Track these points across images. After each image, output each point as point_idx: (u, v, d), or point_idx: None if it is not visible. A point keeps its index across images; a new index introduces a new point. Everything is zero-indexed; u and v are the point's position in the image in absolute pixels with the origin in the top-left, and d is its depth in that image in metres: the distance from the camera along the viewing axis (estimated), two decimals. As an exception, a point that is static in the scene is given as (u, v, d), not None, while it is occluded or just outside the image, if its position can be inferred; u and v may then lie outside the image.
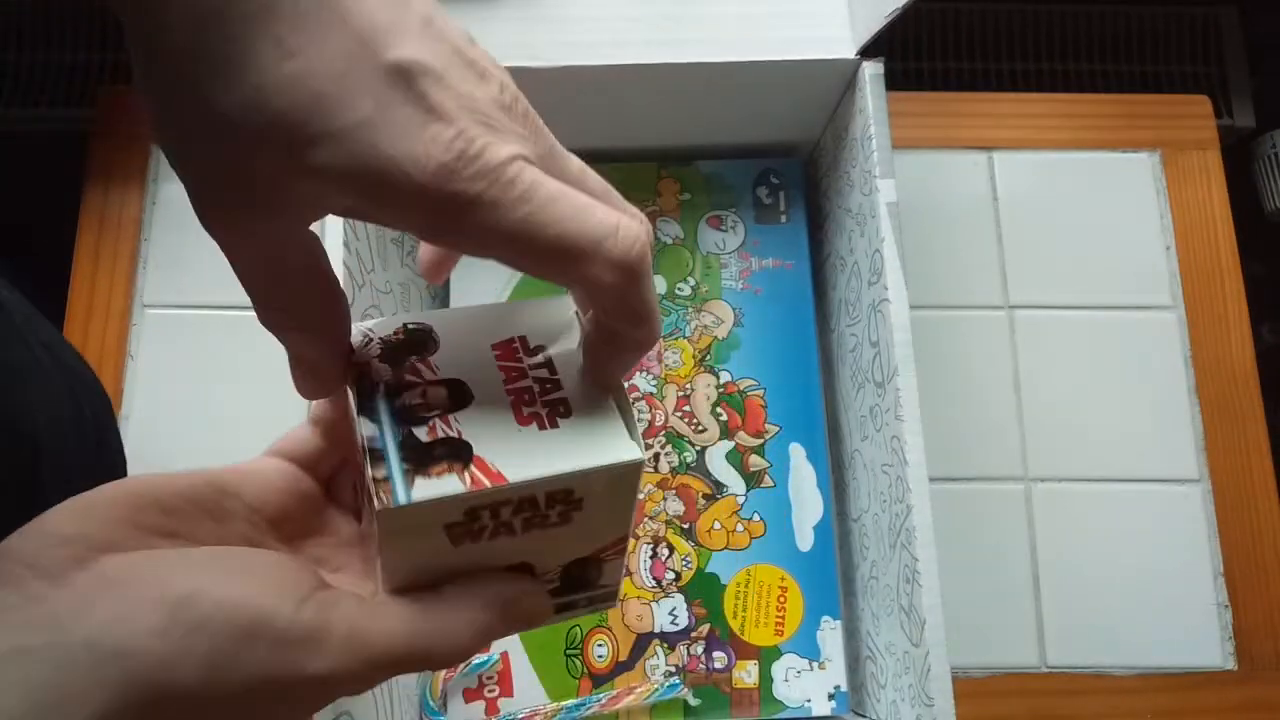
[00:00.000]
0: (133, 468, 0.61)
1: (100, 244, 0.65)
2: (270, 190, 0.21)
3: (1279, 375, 0.73)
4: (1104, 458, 0.63)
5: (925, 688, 0.44)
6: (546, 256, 0.22)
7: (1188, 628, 0.60)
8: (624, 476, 0.24)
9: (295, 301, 0.23)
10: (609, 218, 0.22)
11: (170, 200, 0.66)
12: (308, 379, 0.25)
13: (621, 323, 0.24)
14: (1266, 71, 0.99)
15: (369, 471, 0.22)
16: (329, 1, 0.20)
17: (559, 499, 0.23)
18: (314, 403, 0.28)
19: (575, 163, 0.24)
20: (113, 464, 0.49)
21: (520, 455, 0.23)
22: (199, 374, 0.63)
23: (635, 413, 0.27)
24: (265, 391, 0.62)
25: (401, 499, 0.22)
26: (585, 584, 0.27)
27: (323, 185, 0.20)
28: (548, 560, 0.25)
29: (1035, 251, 0.66)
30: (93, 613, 0.20)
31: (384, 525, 0.22)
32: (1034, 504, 0.62)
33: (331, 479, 0.28)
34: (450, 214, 0.20)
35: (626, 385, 0.58)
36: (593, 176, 0.24)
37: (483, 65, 0.22)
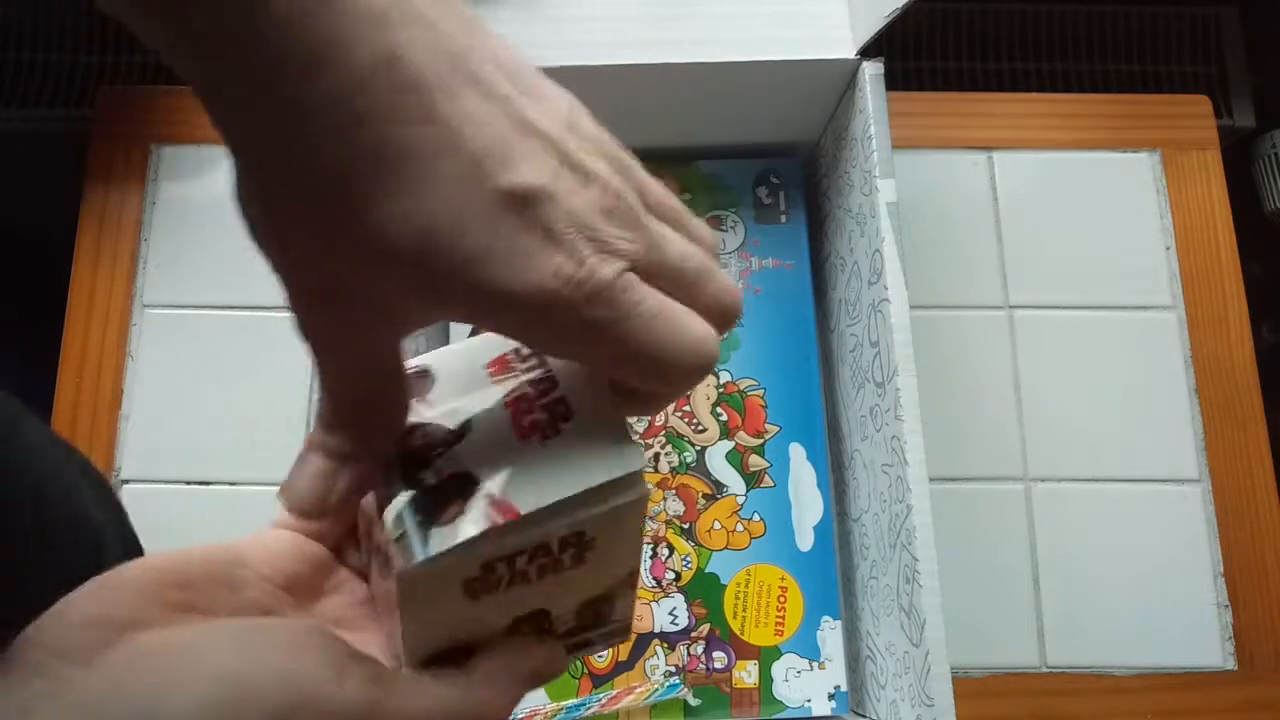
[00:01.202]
0: (133, 469, 0.61)
1: (100, 244, 0.65)
2: (382, 311, 0.21)
3: (1279, 375, 0.73)
4: (1104, 458, 0.63)
5: (925, 688, 0.44)
6: (641, 370, 0.22)
7: (1188, 628, 0.60)
8: (631, 506, 0.24)
9: (375, 400, 0.24)
10: (700, 332, 0.23)
11: (170, 200, 0.66)
12: (336, 472, 0.25)
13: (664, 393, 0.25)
14: (1266, 71, 0.99)
15: (382, 534, 0.22)
16: (441, 130, 0.19)
17: (571, 542, 0.23)
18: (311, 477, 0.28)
19: (675, 247, 0.24)
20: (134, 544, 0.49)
21: (528, 481, 0.22)
22: (199, 374, 0.63)
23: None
24: (265, 392, 0.62)
25: (419, 556, 0.21)
26: (599, 620, 0.27)
27: (438, 310, 0.21)
28: (565, 603, 0.25)
29: (1035, 251, 0.66)
30: (130, 692, 0.20)
31: (403, 586, 0.22)
32: (1034, 504, 0.62)
33: (338, 544, 0.28)
34: (558, 334, 0.21)
35: (626, 385, 0.58)
36: (693, 257, 0.24)
37: (587, 167, 0.22)
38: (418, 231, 0.19)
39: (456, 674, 0.24)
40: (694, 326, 0.23)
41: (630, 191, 0.23)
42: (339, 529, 0.28)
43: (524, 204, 0.20)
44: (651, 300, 0.22)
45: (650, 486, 0.53)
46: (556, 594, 0.25)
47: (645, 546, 0.55)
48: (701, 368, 0.23)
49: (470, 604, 0.23)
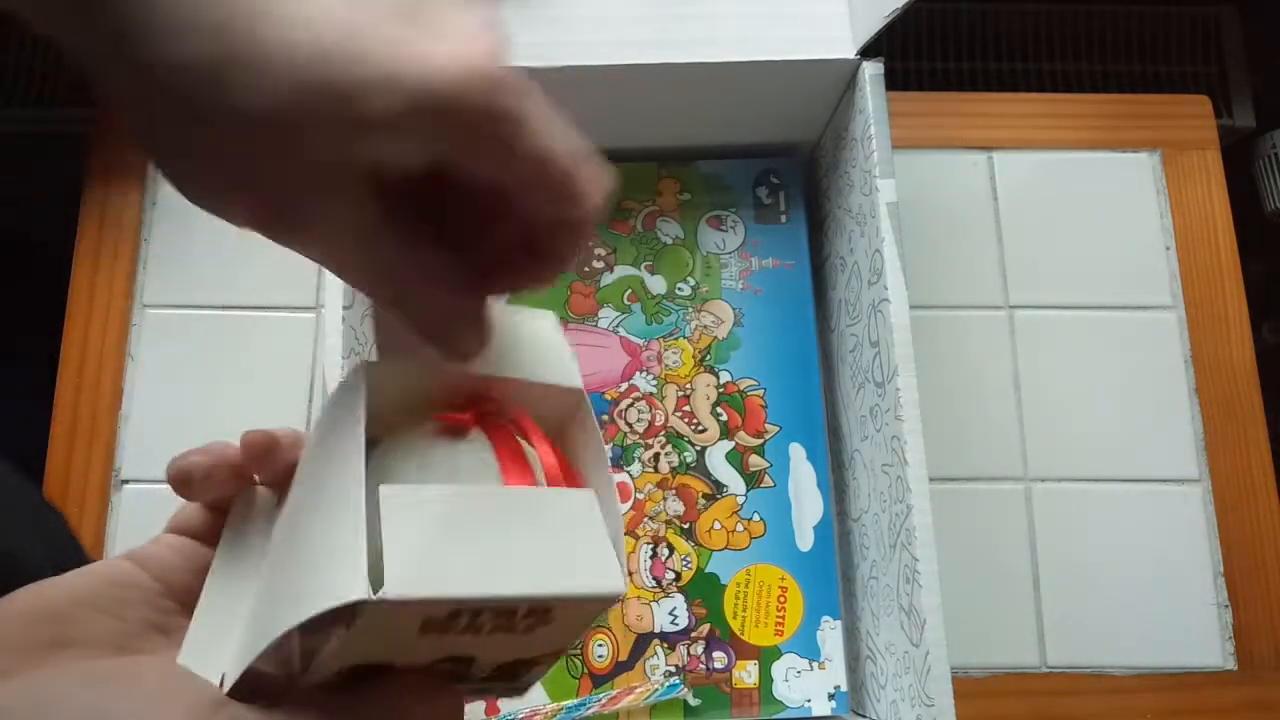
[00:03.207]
0: (133, 469, 0.61)
1: (100, 244, 0.65)
2: (338, 170, 0.21)
3: (1279, 375, 0.73)
4: (1104, 458, 0.63)
5: (925, 688, 0.44)
6: (556, 184, 0.22)
7: (1188, 628, 0.60)
8: (603, 605, 0.24)
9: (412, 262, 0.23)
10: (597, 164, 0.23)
11: (170, 200, 0.66)
12: (469, 328, 0.25)
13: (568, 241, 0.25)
14: (1266, 71, 0.99)
15: None
16: None
17: (535, 613, 0.23)
18: (204, 478, 0.27)
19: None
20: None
21: (505, 560, 0.22)
22: (199, 374, 0.63)
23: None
24: (265, 392, 0.62)
25: (404, 591, 0.20)
26: (512, 678, 0.26)
27: (377, 135, 0.20)
28: (493, 657, 0.25)
29: (1035, 251, 0.66)
30: None
31: (370, 613, 0.21)
32: (1034, 504, 0.62)
33: None
34: (471, 131, 0.21)
35: (626, 386, 0.58)
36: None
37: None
38: (325, 66, 0.19)
39: (341, 697, 0.23)
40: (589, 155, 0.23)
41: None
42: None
43: (408, 12, 0.20)
44: (559, 121, 0.22)
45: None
46: (493, 648, 0.24)
47: (645, 547, 0.55)
48: (604, 194, 0.23)
49: (416, 637, 0.22)
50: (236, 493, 0.28)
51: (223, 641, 0.25)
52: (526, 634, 0.24)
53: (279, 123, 0.19)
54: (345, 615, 0.21)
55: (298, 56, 0.19)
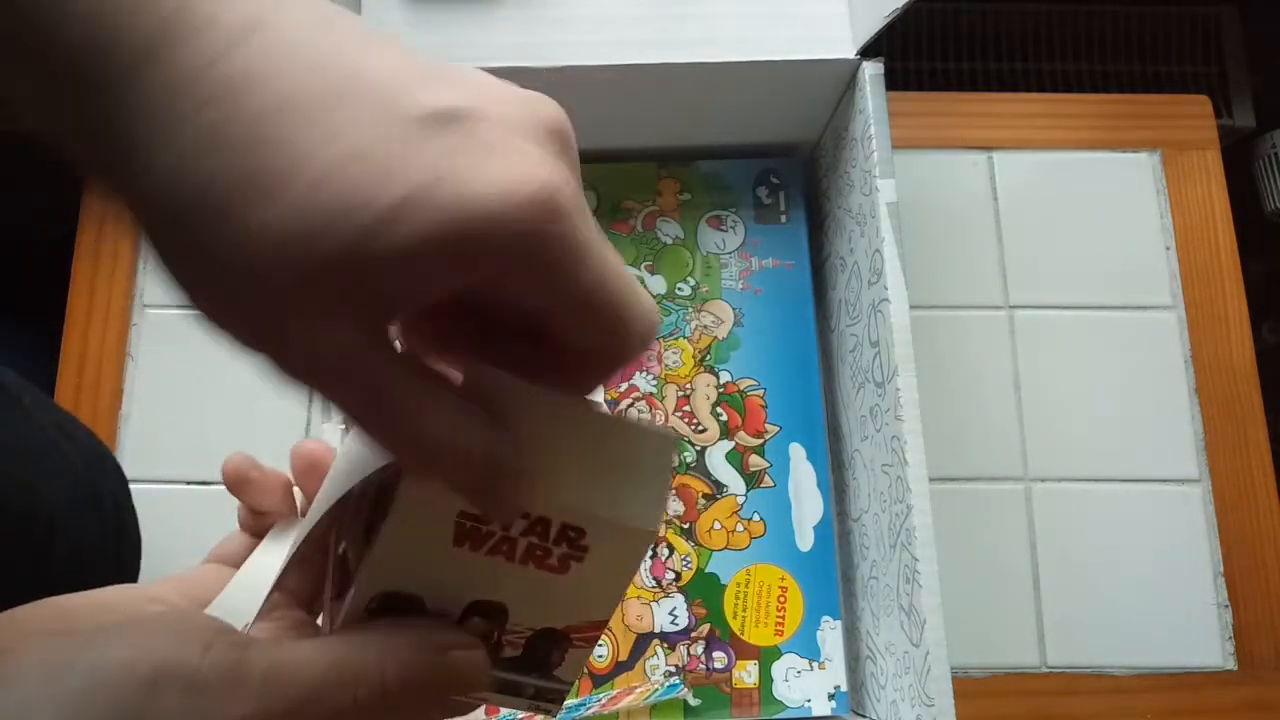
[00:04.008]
0: (133, 469, 0.61)
1: (100, 244, 0.65)
2: (352, 297, 0.18)
3: (1279, 375, 0.73)
4: (1104, 458, 0.63)
5: (925, 688, 0.44)
6: (602, 319, 0.20)
7: (1188, 628, 0.60)
8: (637, 539, 0.23)
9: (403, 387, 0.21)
10: (648, 294, 0.21)
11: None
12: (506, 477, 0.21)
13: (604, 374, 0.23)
14: (1266, 71, 0.99)
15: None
16: (333, 74, 0.17)
17: (568, 536, 0.23)
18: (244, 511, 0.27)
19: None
20: (131, 546, 0.49)
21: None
22: (199, 374, 0.63)
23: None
24: (265, 392, 0.62)
25: None
26: (544, 665, 0.26)
27: (409, 267, 0.17)
28: (523, 613, 0.24)
29: (1035, 251, 0.66)
30: None
31: (406, 491, 0.21)
32: (1034, 504, 0.62)
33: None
34: (523, 261, 0.18)
35: (626, 385, 0.58)
36: None
37: (506, 90, 0.19)
38: (359, 177, 0.17)
39: (354, 629, 0.23)
40: (638, 283, 0.21)
41: (559, 116, 0.20)
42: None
43: (452, 122, 0.18)
44: (604, 239, 0.20)
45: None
46: (525, 594, 0.24)
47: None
48: (653, 331, 0.21)
49: (449, 551, 0.22)
50: (277, 518, 0.28)
51: (252, 601, 0.25)
52: (560, 572, 0.23)
53: (284, 251, 0.17)
54: (385, 499, 0.22)
55: (317, 175, 0.17)
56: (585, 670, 0.53)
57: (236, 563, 0.28)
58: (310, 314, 0.18)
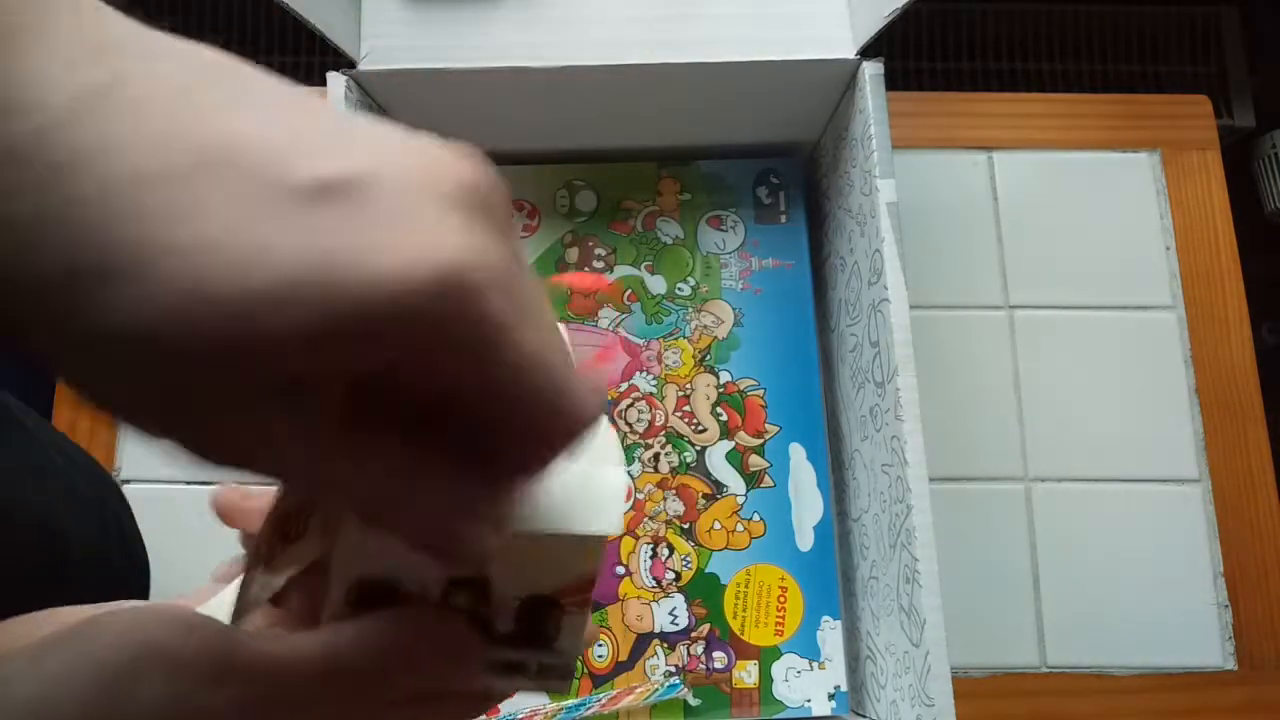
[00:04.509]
0: (133, 469, 0.61)
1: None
2: (251, 399, 0.16)
3: (1279, 375, 0.73)
4: (1104, 458, 0.63)
5: (925, 688, 0.44)
6: (533, 405, 0.17)
7: (1188, 628, 0.60)
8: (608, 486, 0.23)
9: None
10: (596, 377, 0.19)
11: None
12: (476, 526, 0.20)
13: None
14: (1266, 71, 0.99)
15: None
16: (196, 142, 0.15)
17: None
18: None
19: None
20: (139, 568, 0.49)
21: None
22: (199, 374, 0.63)
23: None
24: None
25: None
26: (541, 637, 0.25)
27: (293, 358, 0.15)
28: (506, 582, 0.24)
29: (1035, 251, 0.66)
30: None
31: None
32: (1034, 504, 0.62)
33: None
34: (446, 345, 0.16)
35: (626, 386, 0.58)
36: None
37: (418, 142, 0.17)
38: (216, 278, 0.14)
39: (324, 628, 0.22)
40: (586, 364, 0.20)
41: (476, 174, 0.17)
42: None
43: (338, 194, 0.15)
44: (542, 311, 0.17)
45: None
46: (502, 564, 0.23)
47: (645, 547, 0.55)
48: (588, 418, 0.18)
49: None
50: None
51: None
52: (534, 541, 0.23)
53: (169, 349, 0.15)
54: None
55: (162, 264, 0.14)
56: (586, 670, 0.53)
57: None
58: (235, 412, 0.16)
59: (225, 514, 0.27)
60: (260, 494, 0.27)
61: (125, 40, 0.16)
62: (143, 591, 0.48)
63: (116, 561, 0.45)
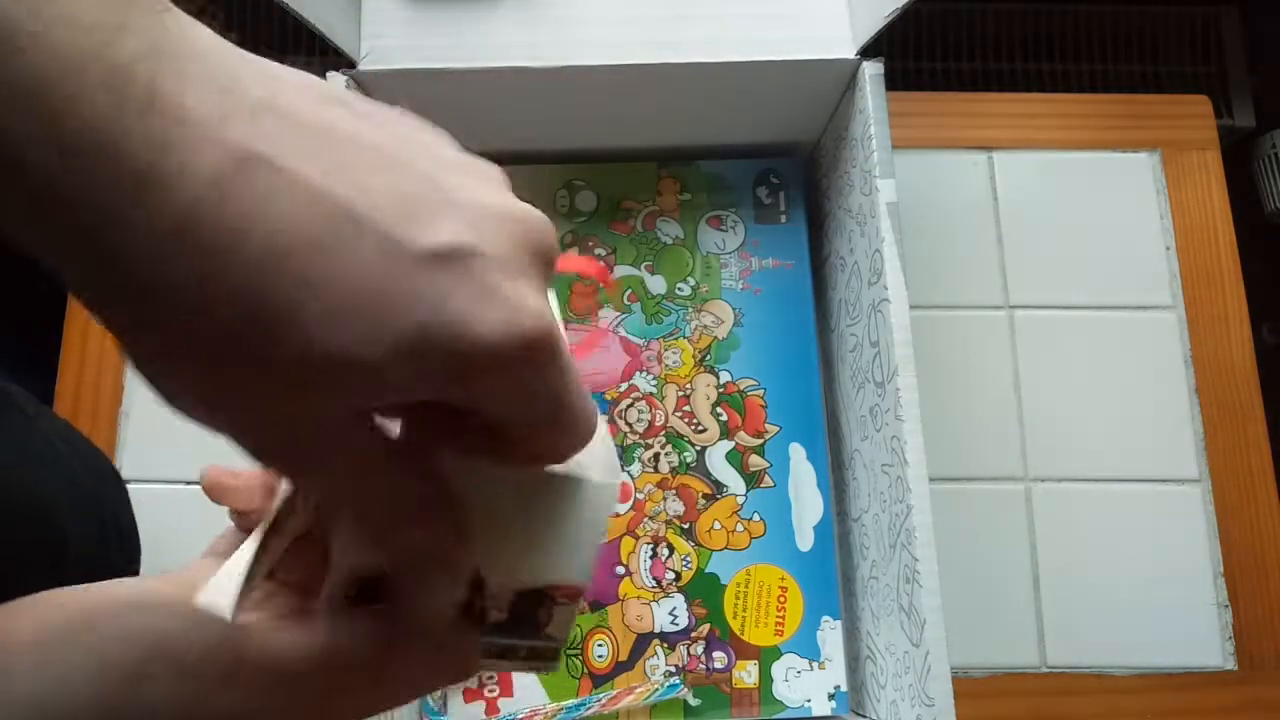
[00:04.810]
0: (133, 469, 0.61)
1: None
2: (334, 431, 0.19)
3: (1279, 375, 0.73)
4: (1104, 458, 0.63)
5: (925, 688, 0.44)
6: (563, 433, 0.21)
7: (1188, 628, 0.60)
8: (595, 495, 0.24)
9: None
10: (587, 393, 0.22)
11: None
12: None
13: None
14: (1266, 71, 0.99)
15: None
16: (330, 212, 0.17)
17: None
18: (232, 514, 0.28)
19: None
20: (130, 556, 0.49)
21: None
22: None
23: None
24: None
25: None
26: (532, 625, 0.26)
27: (392, 398, 0.18)
28: (500, 571, 0.25)
29: (1035, 251, 0.66)
30: None
31: None
32: (1034, 504, 0.62)
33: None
34: (512, 392, 0.19)
35: (626, 386, 0.58)
36: None
37: (507, 207, 0.20)
38: (351, 333, 0.17)
39: (324, 622, 0.23)
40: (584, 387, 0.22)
41: (550, 240, 0.21)
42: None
43: (452, 260, 0.18)
44: (569, 354, 0.21)
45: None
46: (492, 551, 0.24)
47: (645, 547, 0.55)
48: (592, 432, 0.22)
49: None
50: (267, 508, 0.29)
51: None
52: None
53: (281, 384, 0.17)
54: None
55: (307, 330, 0.17)
56: (586, 670, 0.53)
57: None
58: (321, 436, 0.19)
59: (213, 491, 0.28)
60: (247, 474, 0.27)
61: (252, 95, 0.17)
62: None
63: (110, 552, 0.45)
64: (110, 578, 0.24)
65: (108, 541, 0.45)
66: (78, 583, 0.23)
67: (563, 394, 0.20)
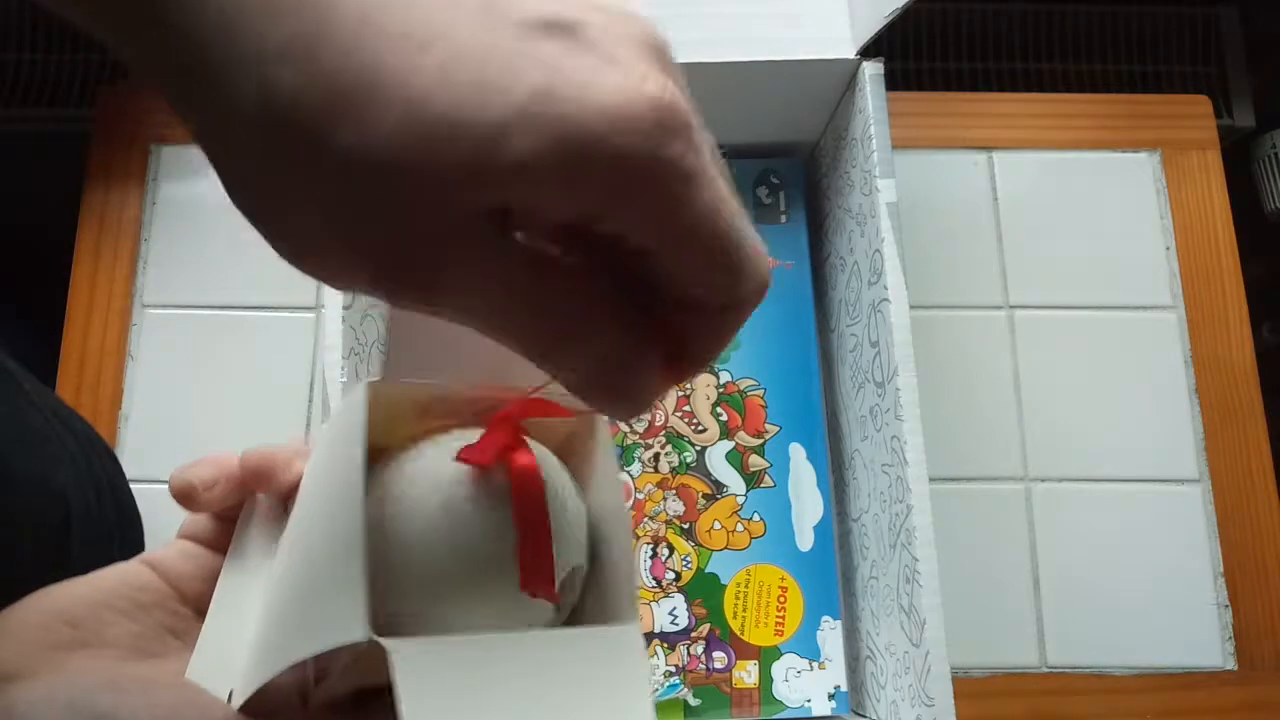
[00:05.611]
0: (133, 469, 0.61)
1: (100, 244, 0.65)
2: (464, 226, 0.17)
3: (1279, 375, 0.73)
4: (1104, 458, 0.63)
5: (925, 688, 0.44)
6: (712, 258, 0.18)
7: (1188, 628, 0.60)
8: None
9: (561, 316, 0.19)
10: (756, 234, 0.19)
11: (170, 200, 0.66)
12: (645, 377, 0.20)
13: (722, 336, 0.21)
14: (1266, 71, 0.99)
15: None
16: None
17: None
18: (208, 494, 0.27)
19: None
20: (132, 524, 0.50)
21: None
22: (199, 374, 0.63)
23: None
24: (265, 392, 0.62)
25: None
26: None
27: (519, 185, 0.16)
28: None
29: (1035, 251, 0.66)
30: None
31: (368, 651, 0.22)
32: (1034, 504, 0.62)
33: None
34: (651, 181, 0.17)
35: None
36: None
37: (612, 3, 0.18)
38: (464, 90, 0.16)
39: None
40: (750, 225, 0.19)
41: (662, 35, 0.19)
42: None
43: (560, 30, 0.17)
44: (719, 168, 0.18)
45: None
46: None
47: (645, 547, 0.55)
48: (767, 279, 0.19)
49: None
50: (242, 503, 0.28)
51: (231, 655, 0.26)
52: None
53: (396, 168, 0.16)
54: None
55: (417, 87, 0.16)
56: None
57: (205, 540, 0.28)
58: (448, 242, 0.17)
59: (182, 499, 0.27)
60: (218, 488, 0.27)
61: None
62: (137, 546, 0.49)
63: (109, 523, 0.46)
64: (110, 542, 0.24)
65: (106, 511, 0.45)
66: (84, 552, 0.23)
67: (705, 200, 0.17)
